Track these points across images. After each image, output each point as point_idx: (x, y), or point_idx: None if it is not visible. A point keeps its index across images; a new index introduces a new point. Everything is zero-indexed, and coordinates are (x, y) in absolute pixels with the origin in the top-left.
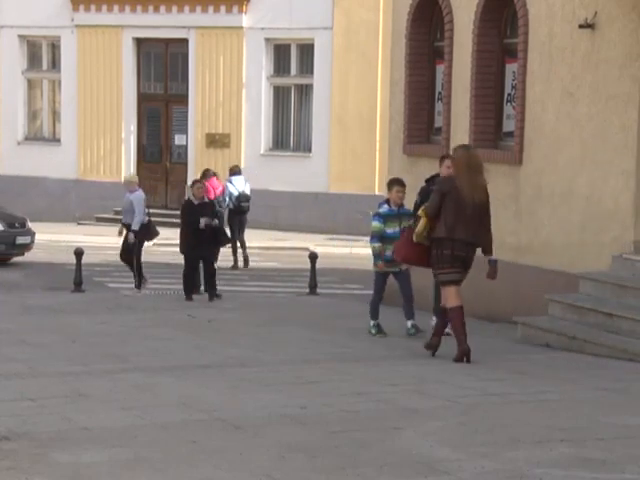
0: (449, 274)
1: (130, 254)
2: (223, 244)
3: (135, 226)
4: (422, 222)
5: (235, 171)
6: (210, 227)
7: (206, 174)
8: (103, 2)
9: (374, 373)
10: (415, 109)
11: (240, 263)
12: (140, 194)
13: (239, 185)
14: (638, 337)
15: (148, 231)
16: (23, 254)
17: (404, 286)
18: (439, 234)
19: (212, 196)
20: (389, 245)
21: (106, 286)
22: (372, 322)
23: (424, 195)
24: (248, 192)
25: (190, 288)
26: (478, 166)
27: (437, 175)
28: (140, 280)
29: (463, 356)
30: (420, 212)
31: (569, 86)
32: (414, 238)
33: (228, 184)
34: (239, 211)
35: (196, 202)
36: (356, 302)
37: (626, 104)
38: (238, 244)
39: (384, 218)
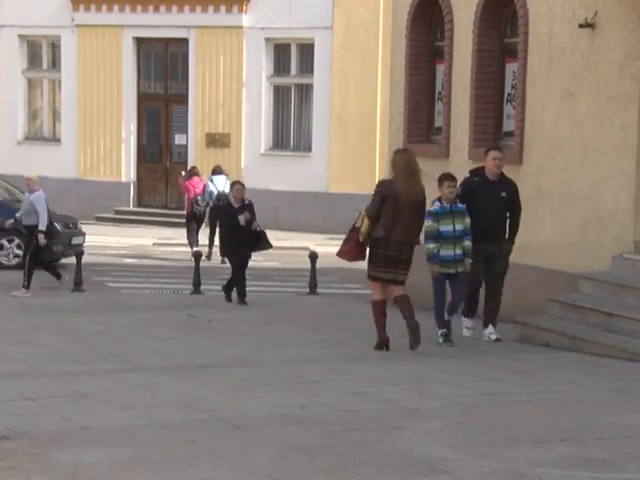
0: (380, 272)
1: (40, 255)
2: (263, 249)
3: (42, 226)
4: (365, 223)
5: (217, 171)
6: (251, 230)
7: (192, 171)
8: (103, 2)
9: (374, 373)
10: (415, 109)
11: (214, 255)
12: (40, 194)
13: (219, 184)
14: (638, 337)
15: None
16: (73, 255)
17: (458, 289)
18: (377, 234)
19: (192, 194)
20: (445, 245)
21: (106, 286)
22: (440, 331)
23: (465, 187)
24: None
25: (231, 290)
26: (415, 170)
27: (482, 167)
28: (29, 280)
29: (382, 345)
30: (363, 213)
31: (569, 86)
32: (360, 238)
33: (209, 183)
34: (218, 209)
35: (236, 205)
36: (356, 302)
37: (626, 104)
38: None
39: (437, 216)
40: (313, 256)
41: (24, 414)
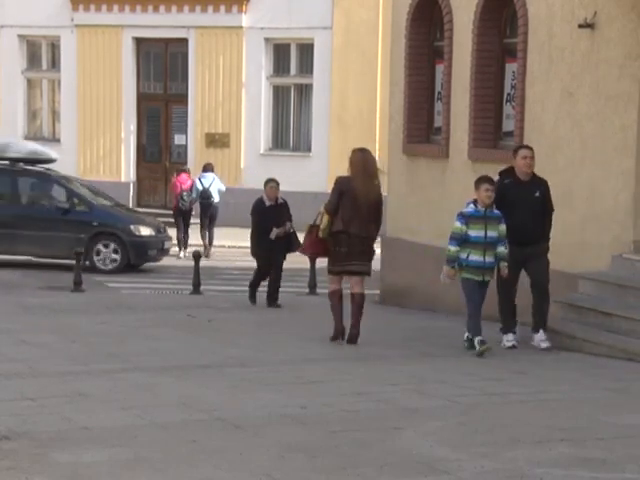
0: (339, 265)
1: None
2: (295, 250)
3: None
4: (325, 219)
5: (207, 168)
6: (284, 232)
7: (181, 168)
8: (103, 2)
9: (374, 373)
10: (415, 109)
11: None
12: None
13: (206, 182)
14: (638, 337)
15: None
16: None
17: (481, 298)
18: (337, 228)
19: (178, 190)
20: (473, 250)
21: (106, 286)
22: (476, 338)
23: (497, 191)
24: (215, 189)
25: (255, 292)
26: (373, 168)
27: (512, 168)
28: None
29: (339, 335)
30: (322, 210)
31: (569, 86)
32: (320, 234)
33: (197, 180)
34: (203, 205)
35: (268, 203)
36: None
37: (626, 104)
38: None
39: (467, 219)
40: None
41: (24, 414)
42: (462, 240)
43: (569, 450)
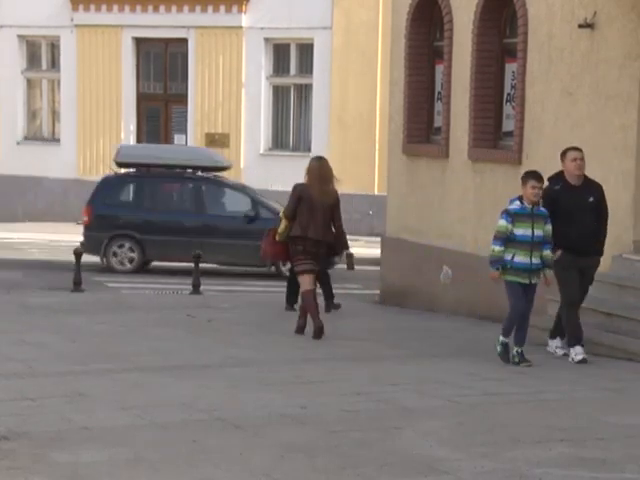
0: (303, 264)
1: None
2: (339, 253)
3: None
4: (283, 223)
5: None
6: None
7: None
8: (102, 2)
9: (374, 373)
10: (414, 109)
11: None
12: None
13: None
14: (637, 337)
15: None
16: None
17: (529, 303)
18: (295, 233)
19: None
20: (519, 250)
21: (106, 286)
22: (501, 339)
23: (548, 199)
24: None
25: (294, 296)
26: (328, 176)
27: (562, 172)
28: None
29: (318, 331)
30: (281, 214)
31: (568, 86)
32: (277, 238)
33: None
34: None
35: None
36: (356, 302)
37: (626, 104)
38: None
39: (513, 217)
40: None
41: (24, 414)
42: (507, 240)
43: (569, 450)
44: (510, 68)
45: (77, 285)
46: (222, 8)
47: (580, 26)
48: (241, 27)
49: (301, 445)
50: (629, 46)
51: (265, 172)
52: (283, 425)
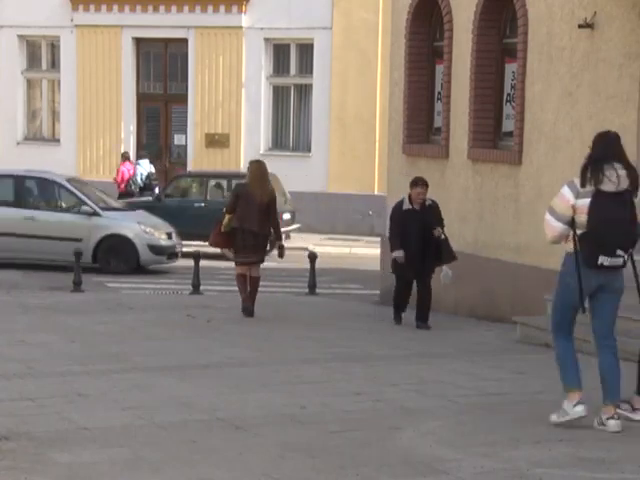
0: (242, 257)
1: None
2: (447, 262)
3: None
4: (226, 217)
5: (142, 155)
6: (432, 237)
7: (124, 156)
8: (102, 2)
9: (374, 373)
10: (414, 109)
11: None
12: None
13: (145, 167)
14: (634, 337)
15: None
16: None
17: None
18: (235, 224)
19: (127, 177)
20: None
21: (106, 286)
22: None
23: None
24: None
25: (401, 308)
26: (265, 176)
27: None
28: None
29: (246, 311)
30: (224, 210)
31: (568, 86)
32: (222, 229)
33: (137, 166)
34: (148, 188)
35: (406, 207)
36: (356, 302)
37: (625, 104)
38: None
39: None
40: (312, 256)
41: (23, 414)
42: None
43: (568, 450)
44: (510, 68)
45: (77, 285)
46: (222, 8)
47: (580, 26)
48: (241, 27)
49: (301, 445)
50: (629, 46)
51: None
52: (283, 425)
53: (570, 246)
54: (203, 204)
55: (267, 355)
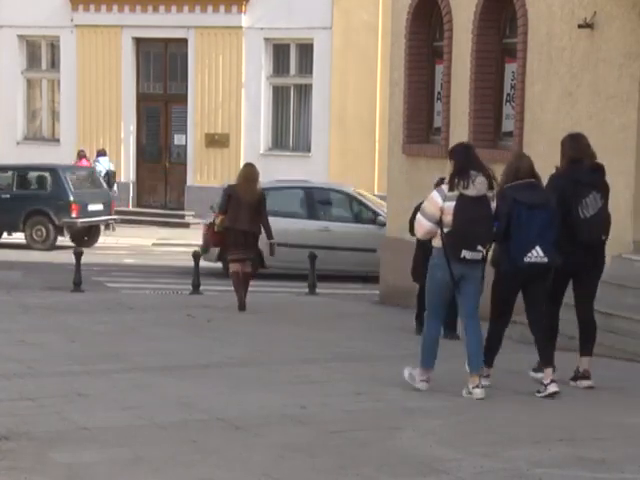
0: (233, 254)
1: None
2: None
3: None
4: (219, 218)
5: (101, 152)
6: None
7: (80, 154)
8: (102, 2)
9: (374, 373)
10: (414, 109)
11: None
12: None
13: (105, 164)
14: (636, 337)
15: None
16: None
17: None
18: (227, 224)
19: None
20: None
21: (106, 286)
22: None
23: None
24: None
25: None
26: (254, 178)
27: None
28: None
29: (241, 305)
30: (217, 211)
31: (568, 86)
32: (215, 229)
33: (96, 163)
34: (107, 185)
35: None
36: (356, 302)
37: (625, 104)
38: None
39: None
40: (312, 256)
41: (23, 414)
42: None
43: (568, 450)
44: (510, 68)
45: (77, 285)
46: (222, 8)
47: (580, 26)
48: (241, 27)
49: (301, 445)
50: (629, 46)
51: (265, 172)
52: (283, 425)
53: (438, 242)
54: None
55: (267, 355)
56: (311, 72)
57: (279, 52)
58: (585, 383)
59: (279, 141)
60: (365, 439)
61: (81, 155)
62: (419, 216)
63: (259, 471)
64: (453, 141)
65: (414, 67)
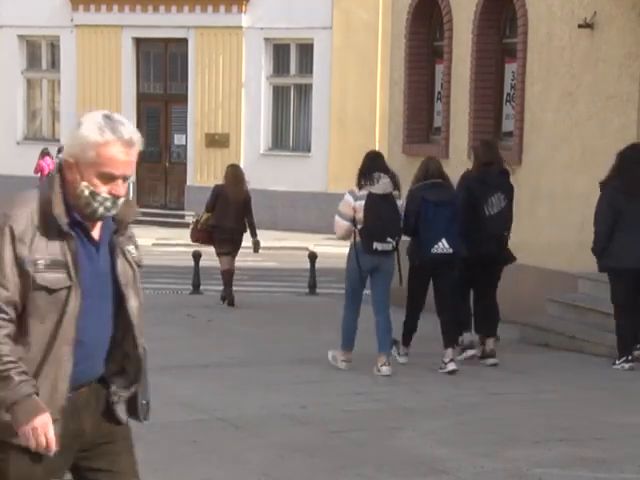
0: (221, 249)
1: None
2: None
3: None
4: (205, 215)
5: (61, 149)
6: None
7: (43, 152)
8: (102, 2)
9: (374, 373)
10: (414, 109)
11: None
12: None
13: None
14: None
15: None
16: None
17: None
18: (213, 222)
19: (46, 172)
20: None
21: None
22: None
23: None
24: None
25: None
26: (241, 178)
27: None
28: None
29: (230, 301)
30: (205, 209)
31: (568, 86)
32: (199, 226)
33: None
34: None
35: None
36: None
37: (625, 104)
38: None
39: None
40: (312, 256)
41: None
42: None
43: (568, 450)
44: (510, 68)
45: None
46: (222, 8)
47: (580, 26)
48: (241, 27)
49: (300, 445)
50: (629, 46)
51: (265, 172)
52: (283, 425)
53: (352, 238)
54: None
55: (267, 355)
56: (311, 72)
57: (279, 52)
58: (491, 361)
59: (279, 141)
60: (365, 439)
61: (44, 153)
62: (337, 218)
63: (259, 471)
64: (453, 141)
65: (414, 67)
